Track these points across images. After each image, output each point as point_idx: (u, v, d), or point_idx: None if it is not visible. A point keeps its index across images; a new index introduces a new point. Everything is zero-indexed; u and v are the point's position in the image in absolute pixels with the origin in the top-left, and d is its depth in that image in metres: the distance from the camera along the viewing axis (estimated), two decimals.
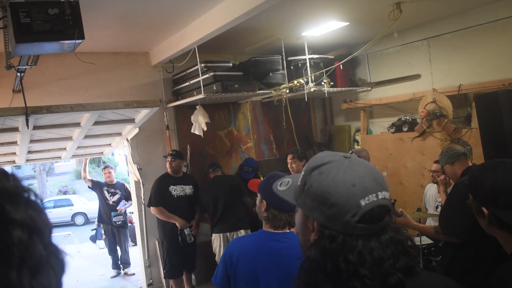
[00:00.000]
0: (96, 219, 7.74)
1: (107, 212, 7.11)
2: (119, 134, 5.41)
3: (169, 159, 5.30)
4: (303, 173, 1.08)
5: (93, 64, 5.18)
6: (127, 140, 5.54)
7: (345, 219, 0.96)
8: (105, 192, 7.16)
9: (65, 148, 5.52)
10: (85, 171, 7.19)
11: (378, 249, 0.96)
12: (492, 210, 1.46)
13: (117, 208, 7.06)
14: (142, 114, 4.60)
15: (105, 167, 7.43)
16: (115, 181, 7.30)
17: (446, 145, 3.45)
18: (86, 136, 5.03)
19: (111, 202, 7.11)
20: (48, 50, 2.67)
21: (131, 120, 4.82)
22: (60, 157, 6.16)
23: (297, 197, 1.09)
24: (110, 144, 5.99)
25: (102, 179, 7.58)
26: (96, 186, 7.22)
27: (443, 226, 2.74)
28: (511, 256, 1.52)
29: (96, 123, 4.53)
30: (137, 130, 5.31)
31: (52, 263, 0.56)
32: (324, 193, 0.98)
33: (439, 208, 4.07)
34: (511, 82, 4.77)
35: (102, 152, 6.58)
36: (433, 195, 4.64)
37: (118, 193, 7.16)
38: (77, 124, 4.46)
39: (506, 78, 4.86)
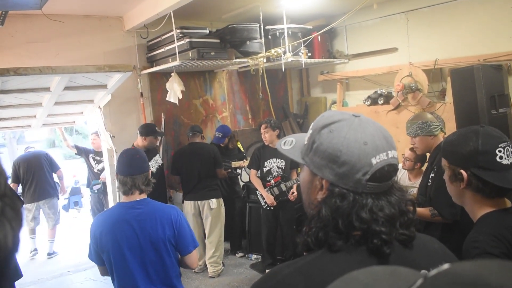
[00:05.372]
0: (71, 187, 7.68)
1: (92, 179, 7.04)
2: (91, 101, 5.24)
3: (152, 138, 5.19)
4: (310, 131, 1.06)
5: (64, 27, 5.02)
6: (99, 107, 5.40)
7: (356, 178, 0.96)
8: (91, 160, 7.07)
9: (35, 116, 5.33)
10: (65, 139, 7.13)
11: (388, 207, 0.98)
12: (473, 171, 1.54)
13: (101, 176, 6.97)
14: (114, 80, 4.46)
15: (92, 133, 7.27)
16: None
17: (417, 114, 3.39)
18: (57, 103, 4.85)
19: (95, 170, 7.02)
20: (14, 6, 2.54)
21: (103, 86, 4.67)
22: (30, 126, 5.94)
23: (304, 156, 1.07)
24: (82, 113, 5.81)
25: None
26: (82, 152, 7.12)
27: (440, 209, 2.77)
28: (477, 222, 1.60)
29: (67, 88, 4.37)
30: (109, 97, 5.17)
31: (8, 216, 0.50)
32: (335, 151, 0.98)
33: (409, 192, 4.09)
34: (486, 57, 4.81)
35: (74, 122, 6.36)
36: (403, 180, 4.61)
37: (103, 161, 7.05)
38: (47, 89, 4.30)
39: (481, 54, 4.90)
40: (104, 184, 6.89)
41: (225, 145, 5.82)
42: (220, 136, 5.72)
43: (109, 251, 2.36)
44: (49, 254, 6.89)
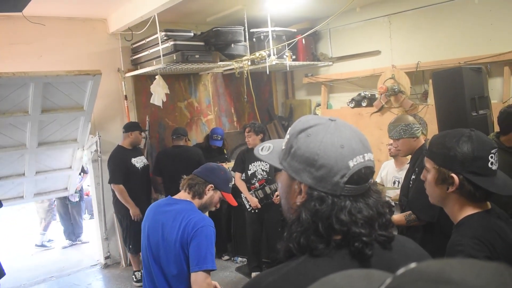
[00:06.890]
0: None
1: None
2: (75, 140, 5.07)
3: (137, 133, 5.24)
4: (288, 136, 1.07)
5: (47, 29, 4.98)
6: (83, 148, 5.32)
7: (334, 180, 0.98)
8: None
9: (23, 174, 5.09)
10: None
11: (367, 209, 0.99)
12: (466, 176, 1.53)
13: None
14: (87, 95, 4.43)
15: None
16: None
17: (399, 117, 3.42)
18: (41, 144, 4.73)
19: None
20: None
21: (80, 108, 4.58)
22: (22, 197, 5.60)
23: (282, 161, 1.08)
24: (70, 167, 5.54)
25: None
26: None
27: (418, 211, 2.78)
28: (459, 225, 1.60)
29: (45, 111, 4.31)
30: (95, 139, 5.21)
31: None
32: (312, 155, 0.99)
33: (396, 183, 4.14)
34: (467, 60, 4.90)
35: (66, 188, 5.99)
36: (391, 172, 4.68)
37: None
38: (26, 113, 4.22)
39: (462, 57, 4.99)
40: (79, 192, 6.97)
41: (207, 147, 5.89)
42: (218, 138, 5.80)
43: (142, 237, 2.51)
44: (36, 245, 7.20)
